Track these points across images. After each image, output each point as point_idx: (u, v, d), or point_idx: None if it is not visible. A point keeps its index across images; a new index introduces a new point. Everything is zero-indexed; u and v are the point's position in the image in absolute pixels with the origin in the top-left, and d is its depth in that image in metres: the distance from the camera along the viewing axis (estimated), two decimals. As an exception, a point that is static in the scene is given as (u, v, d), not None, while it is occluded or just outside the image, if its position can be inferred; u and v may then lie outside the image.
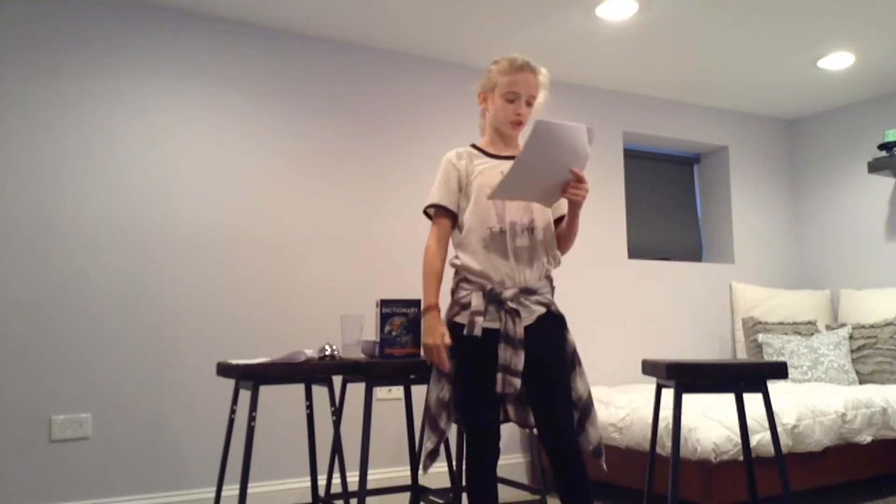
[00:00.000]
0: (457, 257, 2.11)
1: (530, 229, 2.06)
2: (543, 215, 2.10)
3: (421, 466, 2.10)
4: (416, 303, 2.40)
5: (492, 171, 2.09)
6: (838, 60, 3.92)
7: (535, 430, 2.43)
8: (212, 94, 3.26)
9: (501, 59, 2.13)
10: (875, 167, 4.22)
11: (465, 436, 2.06)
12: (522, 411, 2.12)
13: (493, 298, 2.01)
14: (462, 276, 2.09)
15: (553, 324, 2.07)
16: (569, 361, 2.08)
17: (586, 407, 2.07)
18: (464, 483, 2.06)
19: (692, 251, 4.80)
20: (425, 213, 2.20)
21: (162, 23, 3.17)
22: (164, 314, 3.06)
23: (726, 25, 3.47)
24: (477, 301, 2.01)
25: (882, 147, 4.22)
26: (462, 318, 2.04)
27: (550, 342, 2.05)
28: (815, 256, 4.83)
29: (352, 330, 2.49)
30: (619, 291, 4.19)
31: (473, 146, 2.19)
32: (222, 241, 3.21)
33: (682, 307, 4.40)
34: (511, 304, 2.00)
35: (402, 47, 3.67)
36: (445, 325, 2.07)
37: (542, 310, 2.05)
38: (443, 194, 2.13)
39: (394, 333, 2.35)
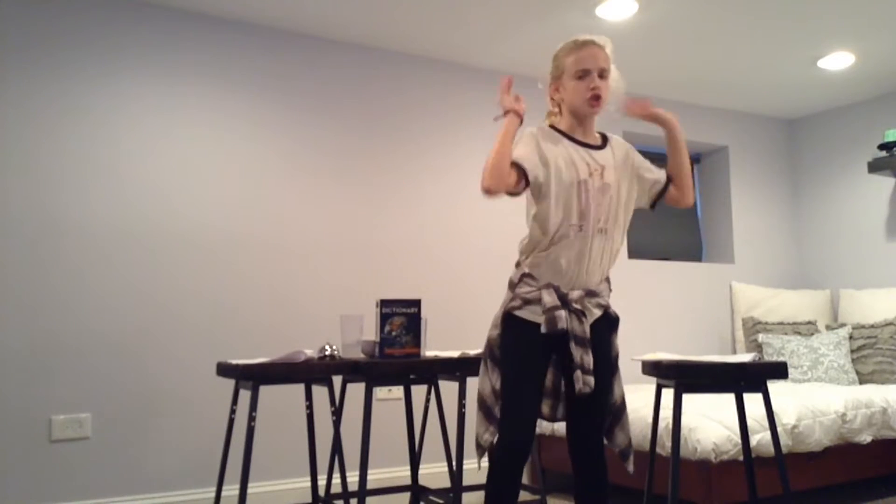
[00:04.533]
0: (524, 255, 2.01)
1: (604, 230, 1.97)
2: (621, 213, 2.03)
3: (477, 459, 2.01)
4: (417, 303, 2.40)
5: (579, 164, 1.99)
6: (838, 60, 3.92)
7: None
8: (212, 94, 3.26)
9: (563, 45, 2.04)
10: (875, 167, 4.22)
11: (500, 429, 1.94)
12: (556, 406, 2.07)
13: (560, 299, 1.93)
14: (526, 272, 1.99)
15: (606, 327, 2.03)
16: (612, 366, 2.05)
17: (619, 411, 2.06)
18: (490, 476, 1.93)
19: (692, 251, 4.79)
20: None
21: (162, 23, 3.17)
22: (164, 314, 3.06)
23: (726, 25, 3.47)
24: (550, 298, 1.92)
25: (882, 147, 4.21)
26: (524, 314, 1.96)
27: (601, 347, 2.00)
28: (815, 256, 4.83)
29: (352, 330, 2.49)
30: (619, 291, 4.17)
31: (552, 127, 2.06)
32: (222, 241, 3.21)
33: (682, 307, 4.40)
34: (576, 306, 1.94)
35: (402, 47, 3.67)
36: (501, 317, 2.00)
37: (599, 312, 2.01)
38: (524, 156, 1.94)
39: (394, 333, 2.35)
